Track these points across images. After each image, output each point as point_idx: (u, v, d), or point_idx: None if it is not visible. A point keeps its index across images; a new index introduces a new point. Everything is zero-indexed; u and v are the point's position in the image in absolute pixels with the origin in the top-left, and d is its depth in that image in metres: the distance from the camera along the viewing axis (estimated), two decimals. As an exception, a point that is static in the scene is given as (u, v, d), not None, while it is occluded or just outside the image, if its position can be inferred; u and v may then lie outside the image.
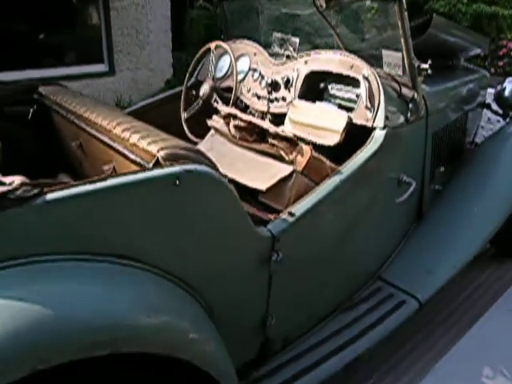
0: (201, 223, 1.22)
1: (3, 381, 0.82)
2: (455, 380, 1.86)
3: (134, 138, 1.27)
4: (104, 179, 1.04)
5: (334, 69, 1.90)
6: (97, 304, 0.96)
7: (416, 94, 1.83)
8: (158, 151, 1.16)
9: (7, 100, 1.82)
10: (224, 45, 2.28)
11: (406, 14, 1.66)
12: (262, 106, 2.16)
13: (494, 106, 2.81)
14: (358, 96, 1.81)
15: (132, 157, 1.27)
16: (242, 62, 2.27)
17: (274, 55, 2.22)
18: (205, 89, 2.24)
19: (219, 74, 2.32)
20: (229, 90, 2.25)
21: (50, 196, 0.97)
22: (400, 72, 1.82)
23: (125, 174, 1.09)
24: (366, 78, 1.75)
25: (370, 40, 2.04)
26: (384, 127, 1.70)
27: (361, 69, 1.81)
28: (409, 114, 1.83)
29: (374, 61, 1.86)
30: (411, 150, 1.97)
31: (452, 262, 1.97)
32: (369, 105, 1.71)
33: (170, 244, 1.16)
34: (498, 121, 3.03)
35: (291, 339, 1.58)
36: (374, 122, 1.72)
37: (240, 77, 2.22)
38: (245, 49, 2.32)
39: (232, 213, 1.27)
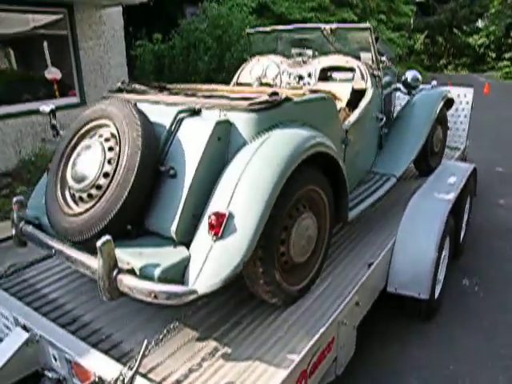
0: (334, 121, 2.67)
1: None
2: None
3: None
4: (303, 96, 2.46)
5: (337, 63, 3.51)
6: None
7: (380, 73, 3.48)
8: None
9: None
10: (263, 57, 3.78)
11: (373, 35, 3.33)
12: None
13: (403, 89, 4.64)
14: (352, 76, 3.42)
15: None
16: (272, 68, 3.76)
17: (294, 62, 3.77)
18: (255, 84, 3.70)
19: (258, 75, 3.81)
20: (266, 85, 3.73)
21: (293, 100, 2.31)
22: (370, 63, 3.48)
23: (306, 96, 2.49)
24: (358, 66, 3.38)
25: (352, 48, 3.65)
26: (371, 86, 3.32)
27: (352, 62, 3.43)
28: (377, 83, 3.50)
29: (356, 58, 3.50)
30: (378, 101, 3.61)
31: (405, 160, 3.61)
32: (361, 78, 3.33)
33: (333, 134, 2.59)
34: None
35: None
36: (366, 85, 3.33)
37: (273, 76, 3.71)
38: (272, 60, 3.81)
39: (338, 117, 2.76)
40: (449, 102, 4.40)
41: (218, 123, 2.05)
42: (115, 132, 2.11)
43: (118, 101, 2.19)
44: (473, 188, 4.26)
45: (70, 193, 2.17)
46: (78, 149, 2.18)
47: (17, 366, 2.06)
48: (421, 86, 4.43)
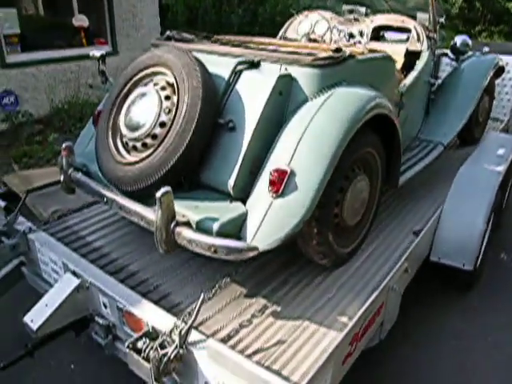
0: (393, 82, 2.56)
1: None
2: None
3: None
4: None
5: (393, 23, 3.31)
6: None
7: (436, 35, 3.29)
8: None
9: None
10: (312, 13, 3.59)
11: None
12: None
13: (450, 54, 4.42)
14: (407, 37, 3.23)
15: None
16: (321, 24, 3.57)
17: (345, 19, 3.58)
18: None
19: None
20: (314, 40, 3.56)
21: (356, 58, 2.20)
22: (427, 24, 3.28)
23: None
24: (414, 26, 3.18)
25: (408, 7, 3.45)
26: (427, 49, 3.15)
27: (409, 22, 3.23)
28: (432, 45, 3.31)
29: (412, 18, 3.30)
30: (432, 65, 3.43)
31: (453, 128, 3.47)
32: (417, 39, 3.15)
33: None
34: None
35: None
36: (421, 47, 3.16)
37: (321, 33, 3.53)
38: (322, 16, 3.62)
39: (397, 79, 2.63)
40: (499, 71, 4.18)
41: (281, 77, 1.96)
42: (172, 80, 2.03)
43: (175, 48, 2.09)
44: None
45: (122, 141, 2.13)
46: (132, 96, 2.12)
47: (67, 310, 2.08)
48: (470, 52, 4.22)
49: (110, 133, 2.16)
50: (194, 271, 2.28)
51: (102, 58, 2.48)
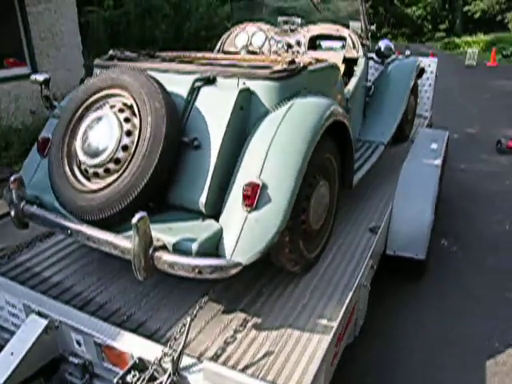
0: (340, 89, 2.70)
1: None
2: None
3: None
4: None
5: (327, 32, 3.46)
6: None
7: (368, 42, 3.50)
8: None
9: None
10: (248, 25, 3.64)
11: (364, 3, 3.32)
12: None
13: (376, 58, 4.70)
14: (343, 45, 3.40)
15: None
16: (259, 36, 3.64)
17: (281, 30, 3.67)
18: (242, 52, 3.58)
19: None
20: (253, 52, 3.62)
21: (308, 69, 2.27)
22: (359, 32, 3.47)
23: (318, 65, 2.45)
24: (349, 35, 3.35)
25: (341, 16, 3.62)
26: (363, 56, 3.34)
27: (342, 30, 3.40)
28: (365, 52, 3.51)
29: (345, 27, 3.48)
30: (366, 70, 3.63)
31: (390, 127, 3.69)
32: (352, 47, 3.33)
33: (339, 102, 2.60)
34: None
35: None
36: (357, 54, 3.34)
37: (259, 44, 3.61)
38: (259, 27, 3.68)
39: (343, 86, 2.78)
40: (421, 71, 4.53)
41: (241, 91, 1.98)
42: (129, 102, 1.98)
43: (129, 69, 2.04)
44: (446, 154, 4.47)
45: (80, 168, 2.03)
46: (87, 121, 2.03)
47: (36, 355, 1.94)
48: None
49: (65, 160, 2.05)
50: (164, 294, 2.22)
51: (46, 82, 2.35)
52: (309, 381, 1.64)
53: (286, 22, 3.66)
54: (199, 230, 1.84)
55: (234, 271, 1.72)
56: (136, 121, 1.93)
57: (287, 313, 2.09)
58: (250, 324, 2.02)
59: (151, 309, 2.12)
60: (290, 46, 3.55)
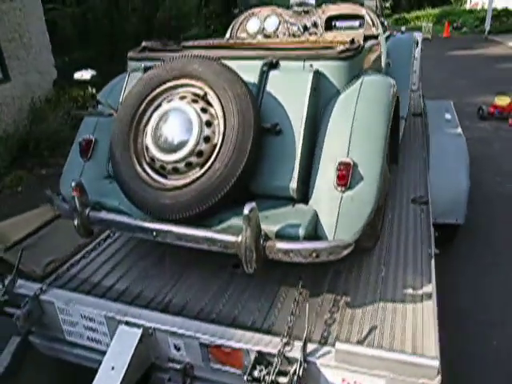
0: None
1: None
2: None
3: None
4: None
5: (344, 11, 3.46)
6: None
7: (384, 19, 3.53)
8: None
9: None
10: (259, 10, 3.56)
11: None
12: None
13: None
14: (361, 24, 3.41)
15: None
16: (272, 19, 3.58)
17: (294, 13, 3.62)
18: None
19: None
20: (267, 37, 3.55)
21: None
22: (374, 9, 3.48)
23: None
24: (367, 12, 3.37)
25: None
26: (383, 32, 3.36)
27: (360, 9, 3.41)
28: (384, 28, 3.53)
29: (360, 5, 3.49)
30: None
31: (405, 97, 3.74)
32: (372, 25, 3.34)
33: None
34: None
35: None
36: (377, 31, 3.35)
37: (273, 28, 3.54)
38: (271, 11, 3.63)
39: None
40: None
41: (315, 73, 1.95)
42: (200, 92, 1.90)
43: (199, 58, 1.95)
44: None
45: (151, 166, 1.94)
46: (156, 115, 1.93)
47: (135, 366, 1.85)
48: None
49: (134, 159, 1.95)
50: (243, 287, 2.17)
51: (92, 78, 2.20)
52: (432, 344, 1.66)
53: (299, 4, 3.61)
54: (297, 216, 1.80)
55: (345, 252, 1.70)
56: (213, 110, 1.85)
57: (373, 287, 2.10)
58: (341, 303, 2.02)
59: (237, 302, 2.07)
60: (306, 27, 3.51)
